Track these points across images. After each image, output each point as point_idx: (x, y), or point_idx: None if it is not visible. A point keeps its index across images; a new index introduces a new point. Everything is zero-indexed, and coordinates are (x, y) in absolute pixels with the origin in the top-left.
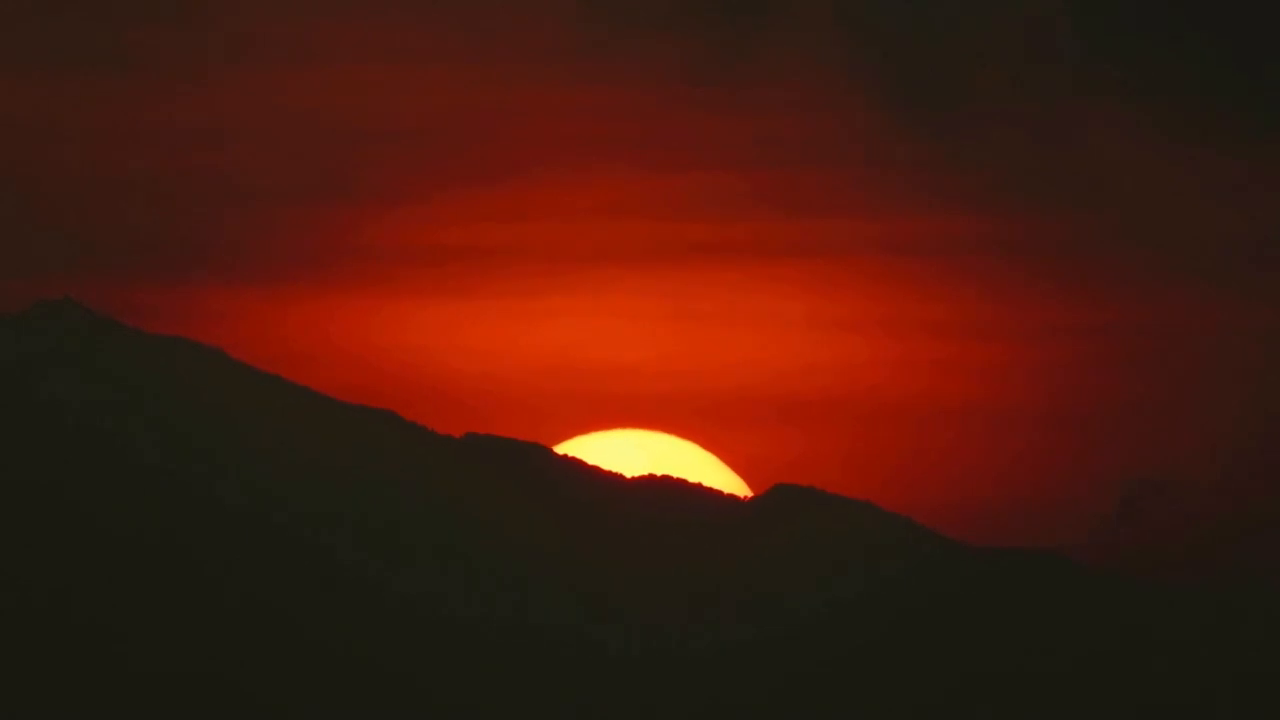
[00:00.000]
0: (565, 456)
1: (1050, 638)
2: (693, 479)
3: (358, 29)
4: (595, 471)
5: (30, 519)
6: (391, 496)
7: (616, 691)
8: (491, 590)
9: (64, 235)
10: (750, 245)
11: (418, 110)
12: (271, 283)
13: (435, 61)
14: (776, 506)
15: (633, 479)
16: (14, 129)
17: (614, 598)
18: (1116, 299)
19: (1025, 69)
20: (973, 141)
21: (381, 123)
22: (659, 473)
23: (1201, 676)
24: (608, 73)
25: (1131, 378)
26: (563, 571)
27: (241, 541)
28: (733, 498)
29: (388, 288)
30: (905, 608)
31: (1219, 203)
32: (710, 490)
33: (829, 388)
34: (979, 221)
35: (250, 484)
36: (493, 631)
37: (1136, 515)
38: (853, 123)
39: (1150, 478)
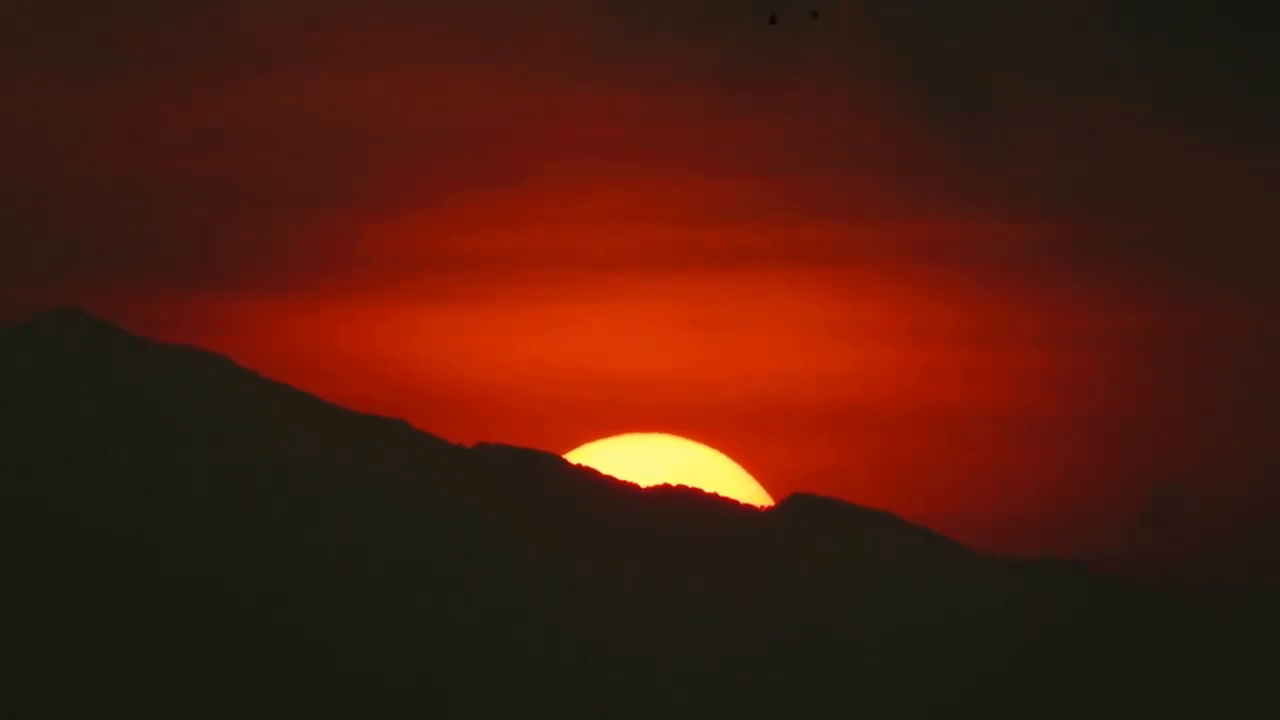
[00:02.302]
0: (579, 466)
1: (1071, 647)
2: (712, 486)
3: (367, 31)
4: (609, 482)
5: (35, 526)
6: (401, 505)
7: (623, 699)
8: (501, 599)
9: (69, 244)
10: (774, 251)
11: (431, 113)
12: (278, 290)
13: (447, 63)
14: (793, 517)
15: (647, 489)
16: (18, 137)
17: (626, 607)
18: (1146, 305)
19: (1057, 72)
20: (1003, 146)
21: (392, 127)
22: (676, 480)
23: (1224, 685)
24: (626, 75)
25: (1160, 384)
26: (574, 582)
27: (248, 549)
28: (749, 507)
29: (397, 294)
30: (923, 618)
31: (1254, 208)
32: (726, 500)
33: (854, 396)
34: (1007, 227)
35: (257, 492)
36: (501, 639)
37: (1164, 523)
38: (880, 127)
39: (1179, 485)
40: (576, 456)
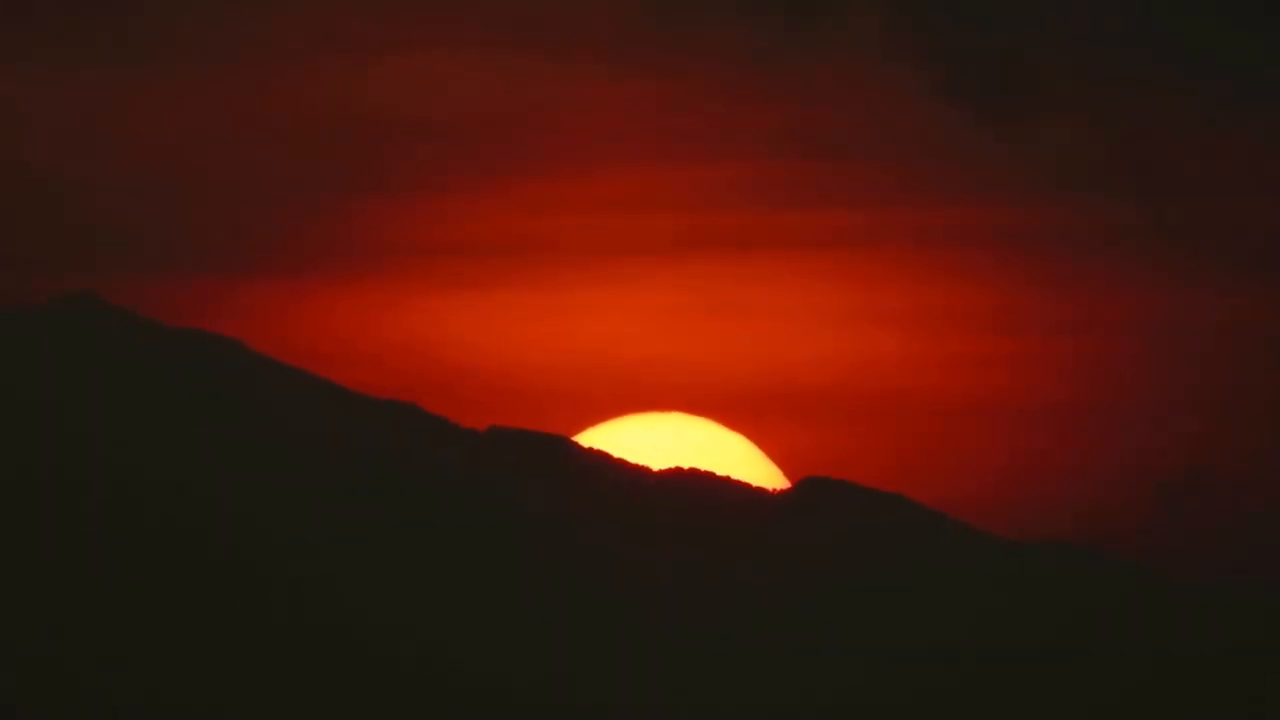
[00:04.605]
0: (591, 450)
1: (1084, 632)
2: (726, 468)
3: (386, 19)
4: (621, 465)
5: (48, 511)
6: (414, 489)
7: (628, 691)
8: (509, 586)
9: (84, 230)
10: (792, 235)
11: (446, 100)
12: (292, 275)
13: (465, 50)
14: (806, 500)
15: (659, 472)
16: (32, 125)
17: (635, 593)
18: (1161, 292)
19: (1081, 54)
20: (1026, 129)
21: (408, 113)
22: (689, 462)
23: (1232, 676)
24: (643, 60)
25: (1173, 370)
26: (586, 566)
27: (260, 534)
28: (761, 490)
29: (409, 279)
30: (937, 602)
31: (1269, 195)
32: (738, 483)
33: (871, 379)
34: (1028, 212)
35: (269, 477)
36: (510, 624)
37: (1174, 508)
38: (900, 110)
39: (1198, 472)
40: (588, 438)
